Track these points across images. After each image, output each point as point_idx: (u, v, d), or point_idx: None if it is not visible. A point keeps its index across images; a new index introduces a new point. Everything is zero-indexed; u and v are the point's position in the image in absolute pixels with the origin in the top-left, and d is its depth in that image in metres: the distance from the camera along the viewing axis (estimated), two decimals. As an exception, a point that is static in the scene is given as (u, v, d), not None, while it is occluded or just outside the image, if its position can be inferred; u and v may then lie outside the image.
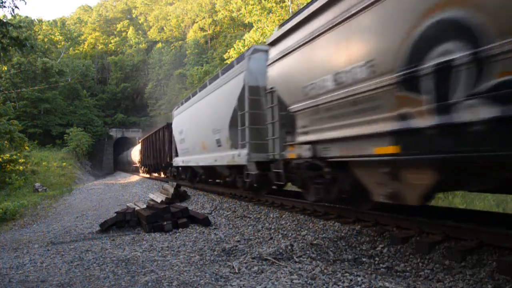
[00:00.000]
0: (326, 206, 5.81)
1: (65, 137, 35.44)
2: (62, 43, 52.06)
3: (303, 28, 4.85)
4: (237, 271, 3.53)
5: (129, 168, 37.86)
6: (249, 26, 36.57)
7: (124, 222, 6.61)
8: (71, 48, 56.61)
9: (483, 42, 2.68)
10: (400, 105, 3.44)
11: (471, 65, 2.78)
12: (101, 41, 67.72)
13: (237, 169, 8.18)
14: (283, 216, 5.94)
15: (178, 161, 13.69)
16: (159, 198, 9.33)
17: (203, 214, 7.00)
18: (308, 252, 3.99)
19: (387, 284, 2.94)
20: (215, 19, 55.31)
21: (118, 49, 66.57)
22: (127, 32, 69.10)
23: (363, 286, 2.91)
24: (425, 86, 3.16)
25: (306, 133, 5.08)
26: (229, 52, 30.05)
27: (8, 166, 17.15)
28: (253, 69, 6.97)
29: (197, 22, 58.55)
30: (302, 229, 5.02)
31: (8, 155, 17.13)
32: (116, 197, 13.07)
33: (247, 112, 7.00)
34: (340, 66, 4.14)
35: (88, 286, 3.42)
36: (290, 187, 11.41)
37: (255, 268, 3.56)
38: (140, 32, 69.04)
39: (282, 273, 3.28)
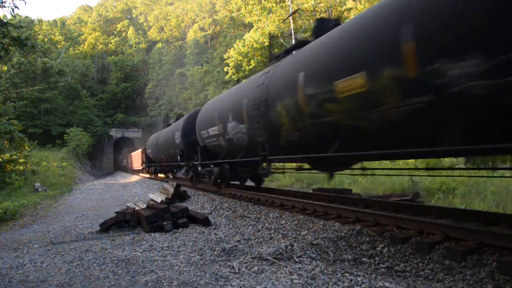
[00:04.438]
0: (326, 206, 5.81)
1: (65, 137, 35.45)
2: (62, 43, 52.12)
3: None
4: (237, 271, 3.53)
5: (129, 168, 37.82)
6: (249, 26, 36.58)
7: (124, 222, 6.61)
8: (71, 48, 56.71)
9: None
10: None
11: None
12: (101, 41, 67.77)
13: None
14: (283, 216, 5.94)
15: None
16: (159, 198, 9.33)
17: (203, 214, 7.00)
18: (308, 252, 3.99)
19: (387, 284, 2.94)
20: (215, 19, 55.35)
21: (118, 49, 66.63)
22: (127, 32, 69.14)
23: (363, 286, 2.91)
24: None
25: None
26: (229, 52, 30.08)
27: (8, 166, 17.13)
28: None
29: (197, 22, 58.63)
30: (302, 229, 5.02)
31: (8, 155, 17.11)
32: (116, 197, 13.07)
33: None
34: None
35: (88, 286, 3.42)
36: (289, 186, 11.39)
37: (255, 268, 3.56)
38: (140, 32, 69.09)
39: (282, 273, 3.28)
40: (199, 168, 11.21)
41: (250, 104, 6.95)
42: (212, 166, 10.20)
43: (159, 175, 21.51)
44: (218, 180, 9.98)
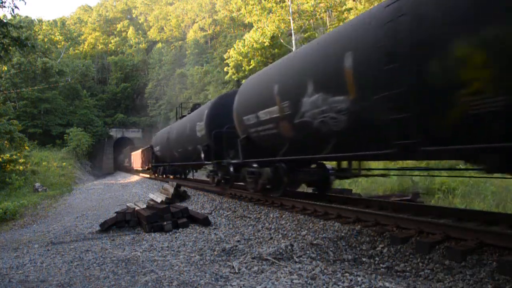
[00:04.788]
0: (326, 206, 5.81)
1: (65, 137, 35.49)
2: (62, 43, 52.15)
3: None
4: (237, 271, 3.53)
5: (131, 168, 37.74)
6: (249, 26, 36.61)
7: (124, 222, 6.61)
8: (71, 48, 56.74)
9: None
10: None
11: None
12: (101, 41, 67.81)
13: None
14: (283, 216, 5.94)
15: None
16: (159, 198, 9.33)
17: (203, 214, 7.01)
18: (308, 252, 3.99)
19: (387, 284, 2.94)
20: (215, 19, 55.38)
21: (118, 49, 66.65)
22: (127, 32, 69.16)
23: (363, 286, 2.91)
24: None
25: None
26: (229, 52, 30.07)
27: (8, 166, 17.15)
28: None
29: (197, 22, 58.65)
30: (302, 229, 5.02)
31: (8, 155, 17.13)
32: (116, 197, 13.07)
33: None
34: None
35: (88, 286, 3.42)
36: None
37: (255, 268, 3.56)
38: (140, 32, 69.11)
39: (282, 273, 3.28)
40: (231, 169, 8.44)
41: (365, 58, 4.19)
42: (255, 165, 7.58)
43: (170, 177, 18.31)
44: (268, 186, 7.28)
